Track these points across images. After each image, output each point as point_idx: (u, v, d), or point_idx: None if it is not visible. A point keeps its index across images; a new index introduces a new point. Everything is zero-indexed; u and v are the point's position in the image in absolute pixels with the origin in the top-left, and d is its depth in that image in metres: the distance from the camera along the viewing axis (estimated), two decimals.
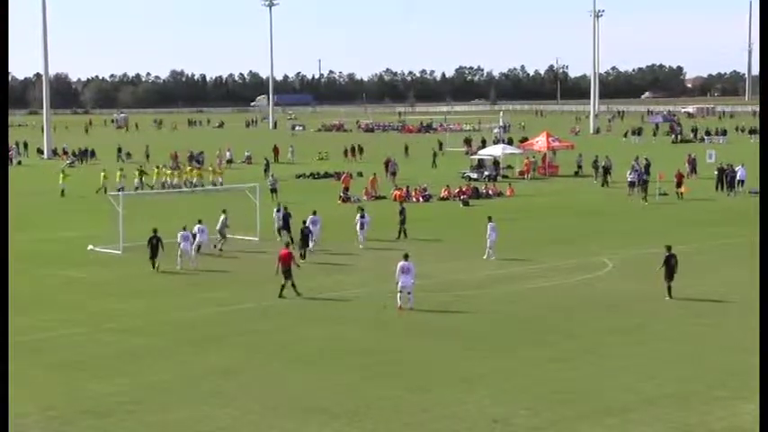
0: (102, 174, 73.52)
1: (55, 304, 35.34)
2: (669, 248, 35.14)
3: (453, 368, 26.68)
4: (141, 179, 74.38)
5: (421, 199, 66.77)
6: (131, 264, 42.43)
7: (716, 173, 72.45)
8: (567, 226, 54.04)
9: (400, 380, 25.65)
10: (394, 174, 77.34)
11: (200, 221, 44.11)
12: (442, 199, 67.34)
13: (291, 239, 44.43)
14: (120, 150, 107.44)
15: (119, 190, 61.62)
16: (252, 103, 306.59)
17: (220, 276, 40.28)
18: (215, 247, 45.09)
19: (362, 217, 46.75)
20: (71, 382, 25.80)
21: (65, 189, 71.46)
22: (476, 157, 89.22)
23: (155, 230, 41.32)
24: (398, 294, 33.25)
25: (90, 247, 46.74)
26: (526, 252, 44.86)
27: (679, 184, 67.38)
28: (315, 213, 46.53)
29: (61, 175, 73.86)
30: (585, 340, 29.61)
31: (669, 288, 34.70)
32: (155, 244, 40.88)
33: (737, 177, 70.27)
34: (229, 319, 32.81)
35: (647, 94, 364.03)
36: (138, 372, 26.61)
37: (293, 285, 35.49)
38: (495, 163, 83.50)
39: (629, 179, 70.01)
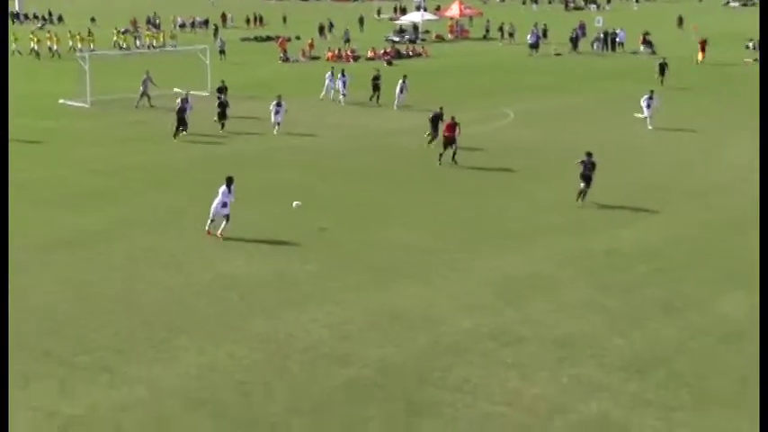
0: (55, 37, 69.10)
1: (34, 149, 34.69)
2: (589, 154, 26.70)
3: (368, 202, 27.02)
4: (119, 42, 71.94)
5: (351, 60, 66.08)
6: (100, 116, 41.79)
7: (601, 36, 72.67)
8: (477, 82, 54.00)
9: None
10: (348, 41, 74.41)
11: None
12: (370, 59, 66.75)
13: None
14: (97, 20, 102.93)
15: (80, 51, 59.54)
16: None
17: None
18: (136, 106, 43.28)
19: (343, 76, 45.89)
20: (49, 216, 25.67)
21: (38, 50, 69.07)
22: (398, 22, 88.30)
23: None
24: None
25: (61, 100, 45.84)
26: (441, 105, 43.97)
27: (703, 49, 61.84)
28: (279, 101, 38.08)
29: (34, 39, 70.86)
30: (490, 179, 30.10)
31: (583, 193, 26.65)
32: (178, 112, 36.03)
33: (618, 39, 71.32)
34: (187, 165, 32.64)
35: None
36: (109, 208, 26.53)
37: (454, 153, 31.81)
38: (415, 28, 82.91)
39: (529, 41, 70.05)
